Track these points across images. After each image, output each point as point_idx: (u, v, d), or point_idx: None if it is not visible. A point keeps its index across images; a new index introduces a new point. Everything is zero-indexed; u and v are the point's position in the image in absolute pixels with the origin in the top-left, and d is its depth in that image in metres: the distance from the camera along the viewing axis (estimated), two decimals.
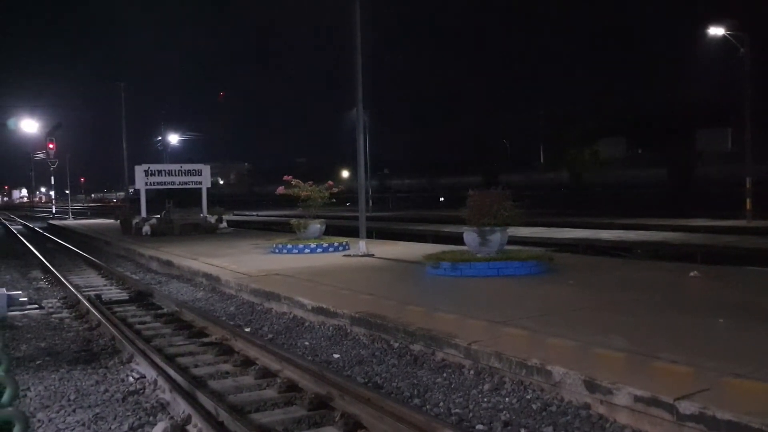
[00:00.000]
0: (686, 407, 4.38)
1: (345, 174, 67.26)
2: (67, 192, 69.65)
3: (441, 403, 5.49)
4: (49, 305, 11.31)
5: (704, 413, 4.27)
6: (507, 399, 5.46)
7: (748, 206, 26.08)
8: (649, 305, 8.07)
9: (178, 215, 26.25)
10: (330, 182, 18.43)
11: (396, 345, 7.25)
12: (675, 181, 37.86)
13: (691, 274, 10.57)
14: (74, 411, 5.65)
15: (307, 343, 7.90)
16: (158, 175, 26.69)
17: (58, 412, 5.64)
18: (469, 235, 11.64)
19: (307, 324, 8.85)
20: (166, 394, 5.92)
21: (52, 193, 70.37)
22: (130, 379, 6.61)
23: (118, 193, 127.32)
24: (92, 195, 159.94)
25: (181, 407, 5.48)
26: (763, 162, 28.53)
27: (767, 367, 5.14)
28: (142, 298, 11.49)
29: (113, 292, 12.53)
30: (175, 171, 27.15)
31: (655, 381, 4.89)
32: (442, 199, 53.06)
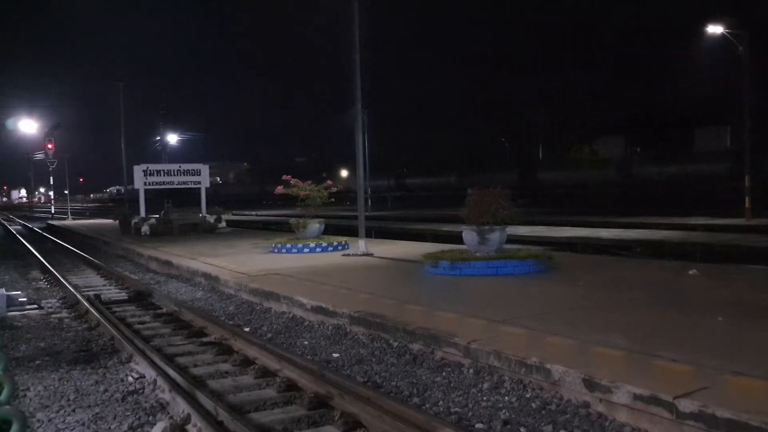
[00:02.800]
0: (686, 405, 4.38)
1: (344, 173, 67.24)
2: (66, 192, 69.64)
3: (440, 402, 5.49)
4: (49, 305, 11.30)
5: (704, 411, 4.28)
6: (506, 398, 5.47)
7: (747, 204, 26.09)
8: (648, 303, 8.07)
9: (176, 215, 26.24)
10: (329, 181, 18.44)
11: (395, 344, 7.26)
12: (673, 179, 37.90)
13: (690, 272, 10.57)
14: (74, 411, 5.65)
15: (306, 342, 7.91)
16: (157, 175, 26.70)
17: (57, 412, 5.64)
18: (468, 234, 11.64)
19: (306, 323, 8.85)
20: (166, 394, 5.92)
21: (51, 193, 70.32)
22: (130, 378, 6.61)
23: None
24: (91, 195, 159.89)
25: (180, 407, 5.48)
26: (761, 159, 28.57)
27: (766, 364, 5.15)
28: (141, 297, 11.48)
29: (112, 292, 12.53)
30: (173, 171, 27.15)
31: (655, 379, 4.89)
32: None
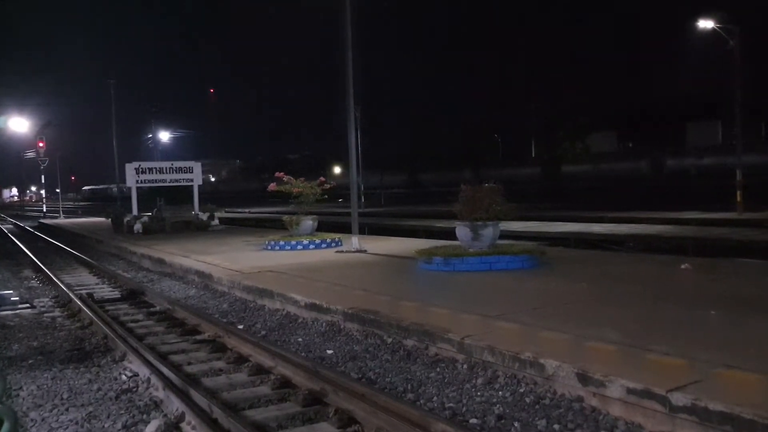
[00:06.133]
0: (678, 399, 4.41)
1: (337, 170, 67.16)
2: (57, 191, 69.34)
3: (434, 398, 5.50)
4: (41, 304, 11.26)
5: (696, 404, 4.30)
6: (500, 393, 5.48)
7: (738, 198, 26.20)
8: (641, 298, 8.10)
9: (169, 213, 26.15)
10: (322, 178, 18.42)
11: (389, 340, 7.26)
12: (665, 174, 38.05)
13: (683, 266, 10.61)
14: (67, 410, 5.64)
15: (300, 339, 7.90)
16: (149, 173, 26.58)
17: (51, 411, 5.62)
18: (462, 230, 11.65)
19: (300, 320, 8.85)
20: (160, 392, 5.91)
21: (42, 192, 70.01)
22: (123, 377, 6.60)
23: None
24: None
25: (174, 405, 5.47)
26: (753, 154, 28.71)
27: (758, 358, 5.18)
28: (134, 296, 11.46)
29: (105, 291, 12.49)
30: (166, 168, 27.03)
31: (648, 373, 4.91)
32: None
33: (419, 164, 61.77)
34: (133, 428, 5.19)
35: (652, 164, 39.42)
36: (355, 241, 15.14)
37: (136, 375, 6.61)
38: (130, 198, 26.86)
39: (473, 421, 4.98)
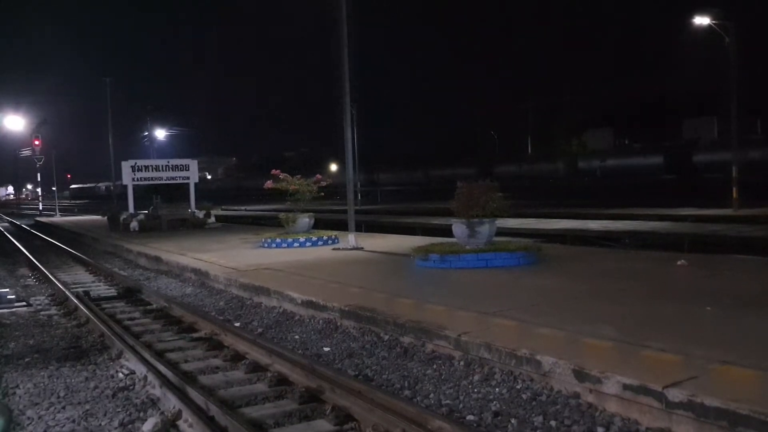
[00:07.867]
0: (675, 395, 4.41)
1: (334, 167, 67.09)
2: (53, 189, 69.20)
3: (431, 395, 5.50)
4: (37, 302, 11.25)
5: (693, 400, 4.30)
6: (497, 389, 5.48)
7: (734, 195, 26.23)
8: (638, 294, 8.11)
9: (165, 211, 26.11)
10: (318, 176, 18.39)
11: (386, 337, 7.26)
12: (663, 170, 38.19)
13: (679, 263, 10.62)
14: (64, 408, 5.63)
15: (297, 336, 7.90)
16: (145, 170, 26.56)
17: (47, 409, 5.61)
18: (458, 227, 11.65)
19: (296, 318, 8.84)
20: (156, 390, 5.91)
21: (38, 190, 69.81)
22: (120, 375, 6.59)
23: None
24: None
25: (171, 402, 5.47)
26: (749, 150, 28.82)
27: (754, 353, 5.19)
28: (130, 294, 11.44)
29: (101, 289, 12.47)
30: (162, 166, 27.01)
31: (644, 369, 4.92)
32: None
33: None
34: (130, 426, 5.18)
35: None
36: (351, 238, 15.13)
37: (132, 373, 6.61)
38: (120, 196, 26.84)
39: (470, 417, 4.99)
